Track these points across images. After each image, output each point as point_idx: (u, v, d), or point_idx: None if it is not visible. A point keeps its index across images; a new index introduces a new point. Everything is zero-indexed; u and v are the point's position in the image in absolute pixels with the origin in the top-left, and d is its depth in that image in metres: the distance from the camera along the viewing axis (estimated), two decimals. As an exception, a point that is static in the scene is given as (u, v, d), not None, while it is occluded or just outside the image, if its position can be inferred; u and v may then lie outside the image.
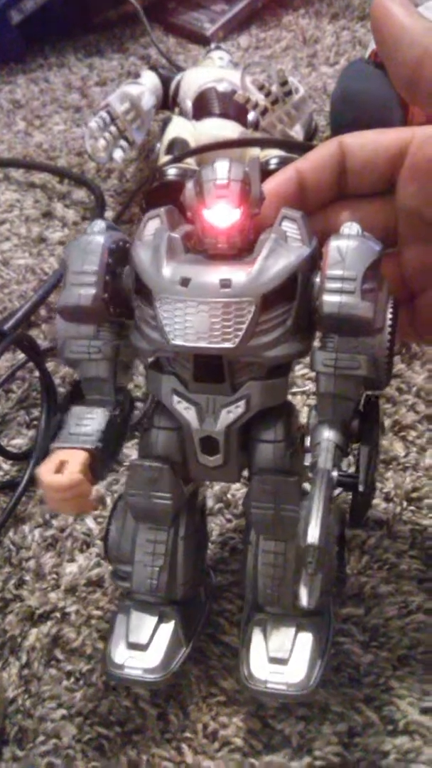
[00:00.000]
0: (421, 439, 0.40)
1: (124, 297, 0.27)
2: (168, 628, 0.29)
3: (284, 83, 0.50)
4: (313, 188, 0.29)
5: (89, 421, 0.27)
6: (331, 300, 0.24)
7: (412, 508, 0.37)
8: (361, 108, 0.51)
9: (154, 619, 0.29)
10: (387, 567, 0.35)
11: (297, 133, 0.52)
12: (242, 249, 0.26)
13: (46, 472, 0.25)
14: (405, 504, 0.37)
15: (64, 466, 0.25)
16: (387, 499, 0.37)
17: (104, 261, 0.27)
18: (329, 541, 0.24)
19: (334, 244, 0.25)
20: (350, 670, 0.31)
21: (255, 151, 0.51)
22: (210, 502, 0.38)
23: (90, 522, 0.38)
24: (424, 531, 0.36)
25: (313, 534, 0.23)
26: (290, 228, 0.26)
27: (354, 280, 0.24)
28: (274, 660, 0.27)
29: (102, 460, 0.27)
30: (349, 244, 0.25)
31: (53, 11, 0.76)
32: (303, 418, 0.41)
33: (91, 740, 0.30)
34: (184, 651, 0.29)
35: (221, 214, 0.25)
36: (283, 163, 0.48)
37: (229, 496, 0.38)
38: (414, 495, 0.37)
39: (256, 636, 0.28)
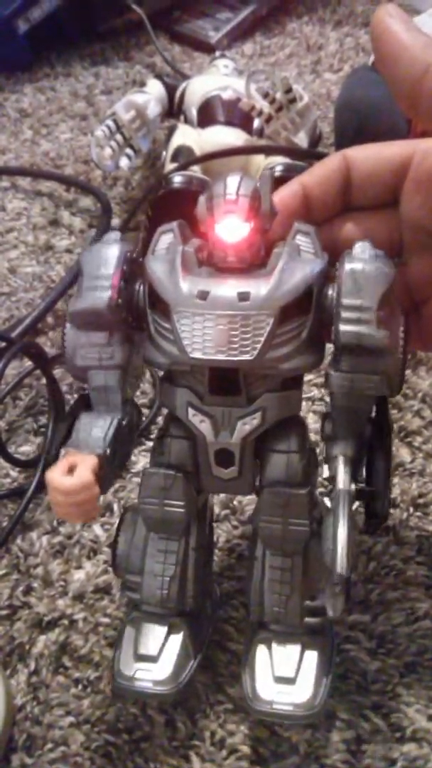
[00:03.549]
0: (427, 445, 0.40)
1: (136, 308, 0.27)
2: (177, 640, 0.29)
3: (288, 90, 0.50)
4: (318, 202, 0.29)
5: (98, 429, 0.27)
6: (348, 330, 0.24)
7: (418, 514, 0.37)
8: (365, 115, 0.51)
9: (164, 630, 0.29)
10: (394, 573, 0.35)
11: (301, 140, 0.53)
12: (252, 263, 0.26)
13: (55, 475, 0.25)
14: (411, 510, 0.37)
15: (74, 469, 0.25)
16: (393, 505, 0.37)
17: (120, 267, 0.27)
18: (354, 558, 0.24)
19: (348, 268, 0.25)
20: (357, 678, 0.31)
21: (260, 158, 0.51)
22: (216, 509, 0.38)
23: (97, 529, 0.38)
24: (430, 537, 0.36)
25: (342, 564, 0.23)
26: (303, 242, 0.26)
27: (370, 309, 0.24)
28: (280, 679, 0.27)
29: (109, 467, 0.26)
30: (363, 270, 0.25)
31: (59, 21, 0.77)
32: (307, 423, 0.41)
33: (99, 748, 0.30)
34: (193, 664, 0.29)
35: (230, 229, 0.25)
36: (288, 170, 0.48)
37: (235, 502, 0.38)
38: (420, 501, 0.37)
39: (261, 655, 0.28)
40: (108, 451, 0.26)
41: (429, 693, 0.31)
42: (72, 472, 0.25)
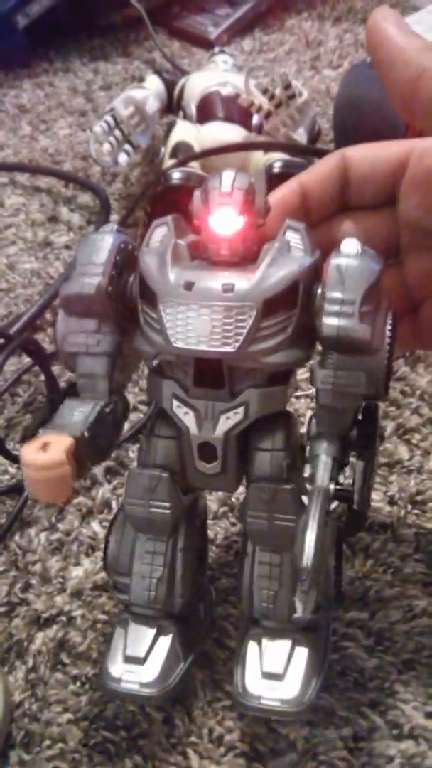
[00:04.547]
0: (425, 442, 0.40)
1: (129, 299, 0.27)
2: (166, 642, 0.28)
3: (288, 86, 0.50)
4: (317, 201, 0.29)
5: (79, 413, 0.27)
6: (329, 323, 0.24)
7: (416, 511, 0.37)
8: (365, 111, 0.51)
9: (153, 632, 0.29)
10: (391, 570, 0.35)
11: (300, 136, 0.52)
12: (245, 258, 0.26)
13: (29, 450, 0.25)
14: (409, 507, 0.37)
15: (48, 447, 0.25)
16: (391, 502, 0.37)
17: (113, 256, 0.27)
18: (324, 558, 0.24)
19: (334, 263, 0.25)
20: (355, 675, 0.31)
21: (258, 155, 0.51)
22: (214, 506, 0.38)
23: (95, 526, 0.38)
24: (428, 534, 0.36)
25: (308, 556, 0.23)
26: (293, 238, 0.26)
27: (353, 303, 0.24)
28: (268, 675, 0.27)
29: (88, 450, 0.26)
30: (348, 264, 0.25)
31: (58, 16, 0.77)
32: (306, 421, 0.41)
33: (97, 744, 0.30)
34: (182, 667, 0.29)
35: (224, 221, 0.26)
36: (287, 166, 0.48)
37: (233, 499, 0.38)
38: (418, 498, 0.37)
39: (251, 651, 0.28)
40: (87, 434, 0.26)
41: (427, 690, 0.31)
42: (46, 450, 0.25)
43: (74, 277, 0.27)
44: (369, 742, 0.29)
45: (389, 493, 0.38)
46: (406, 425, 0.41)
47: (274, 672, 0.27)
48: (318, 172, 0.29)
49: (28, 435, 0.26)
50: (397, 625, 0.33)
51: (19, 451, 0.25)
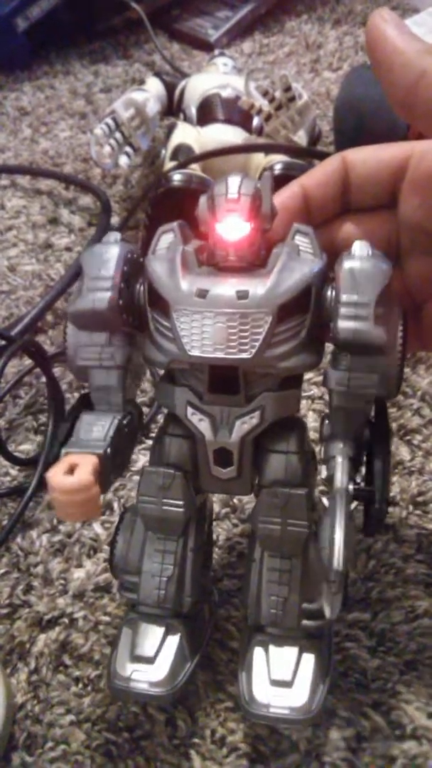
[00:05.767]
0: (426, 443, 0.40)
1: (136, 307, 0.27)
2: (174, 641, 0.28)
3: (288, 89, 0.50)
4: (318, 203, 0.29)
5: (99, 428, 0.27)
6: (345, 326, 0.25)
7: (418, 512, 0.37)
8: (365, 113, 0.52)
9: (161, 631, 0.28)
10: (393, 571, 0.35)
11: (300, 138, 0.53)
12: (253, 263, 0.26)
13: (56, 474, 0.25)
14: (411, 508, 0.37)
15: (74, 469, 0.25)
16: (393, 503, 0.37)
17: (120, 268, 0.27)
18: (350, 558, 0.24)
19: (347, 266, 0.25)
20: (357, 675, 0.31)
21: (259, 157, 0.51)
22: (216, 507, 0.38)
23: (97, 527, 0.38)
24: (430, 535, 0.36)
25: (339, 561, 0.24)
26: (302, 242, 0.26)
27: (367, 305, 0.24)
28: (276, 683, 0.27)
29: (110, 467, 0.26)
30: (361, 267, 0.25)
31: (59, 18, 0.77)
32: (308, 421, 0.41)
33: (100, 746, 0.30)
34: (189, 667, 0.29)
35: (231, 228, 0.26)
36: (288, 168, 0.48)
37: (235, 501, 0.38)
38: (420, 499, 0.38)
39: (258, 658, 0.28)
40: (108, 450, 0.26)
41: (429, 690, 0.31)
42: (72, 472, 0.25)
43: (84, 292, 0.27)
44: (372, 743, 0.29)
45: (391, 494, 0.38)
46: (407, 426, 0.41)
47: (283, 679, 0.27)
48: (319, 175, 0.29)
49: (50, 458, 0.26)
50: (399, 625, 0.33)
51: (46, 476, 0.25)
